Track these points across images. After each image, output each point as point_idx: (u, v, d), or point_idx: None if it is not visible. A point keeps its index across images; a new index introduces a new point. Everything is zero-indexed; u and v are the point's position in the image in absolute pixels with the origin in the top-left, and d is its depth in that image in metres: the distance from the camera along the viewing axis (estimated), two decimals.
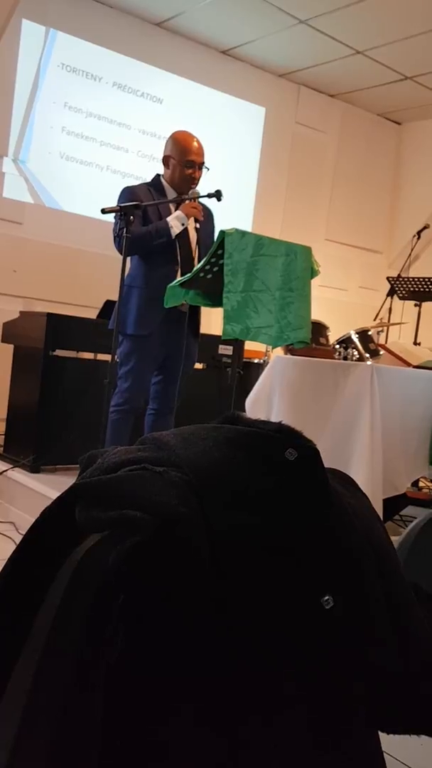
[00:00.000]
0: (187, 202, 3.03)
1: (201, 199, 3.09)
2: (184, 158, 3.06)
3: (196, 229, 3.11)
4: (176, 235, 3.00)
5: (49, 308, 4.08)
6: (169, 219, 2.98)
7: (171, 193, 3.11)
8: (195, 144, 3.09)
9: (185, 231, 3.04)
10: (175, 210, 3.06)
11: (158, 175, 3.18)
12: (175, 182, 3.11)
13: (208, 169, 3.14)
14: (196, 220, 3.06)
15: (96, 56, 4.97)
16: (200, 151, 3.09)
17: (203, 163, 3.10)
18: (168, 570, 0.78)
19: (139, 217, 2.95)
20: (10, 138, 4.69)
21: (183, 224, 2.99)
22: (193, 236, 3.10)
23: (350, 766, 0.87)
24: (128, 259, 3.12)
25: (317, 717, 0.84)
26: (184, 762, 0.78)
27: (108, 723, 0.77)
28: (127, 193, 3.04)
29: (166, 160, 3.15)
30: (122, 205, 2.86)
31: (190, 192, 3.05)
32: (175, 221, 2.98)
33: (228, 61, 5.60)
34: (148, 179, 3.25)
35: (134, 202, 2.90)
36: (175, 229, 2.97)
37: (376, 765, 0.91)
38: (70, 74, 4.90)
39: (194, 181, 3.08)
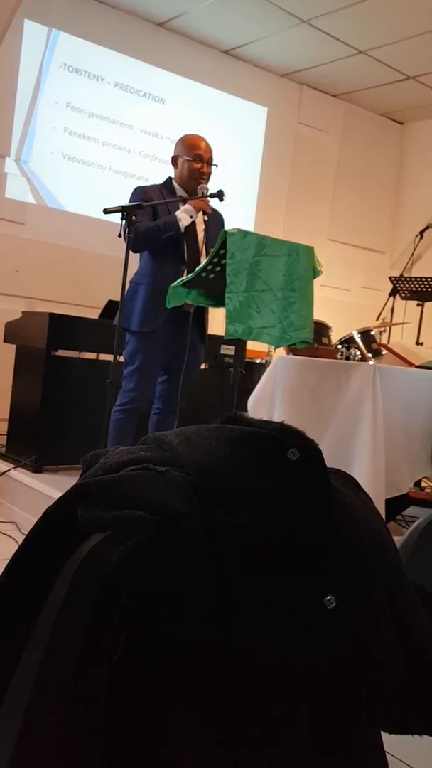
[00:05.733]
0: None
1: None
2: (191, 153, 3.09)
3: (204, 230, 3.11)
4: (184, 235, 3.01)
5: (51, 308, 4.08)
6: (177, 213, 3.00)
7: (181, 194, 3.13)
8: (203, 142, 3.13)
9: (193, 230, 3.05)
10: None
11: (170, 178, 3.19)
12: (184, 180, 3.12)
13: (217, 166, 3.15)
14: (205, 214, 3.06)
15: (98, 56, 4.98)
16: (208, 148, 3.12)
17: (211, 158, 3.11)
18: (170, 569, 0.78)
19: (149, 215, 2.98)
20: (13, 138, 4.69)
21: (191, 217, 3.01)
22: (201, 236, 3.10)
23: (352, 766, 0.87)
24: (138, 257, 3.14)
25: (319, 716, 0.84)
26: (187, 764, 0.78)
27: (111, 722, 0.77)
28: (139, 192, 3.08)
29: (174, 161, 3.17)
30: (124, 205, 2.87)
31: (199, 188, 3.05)
32: (183, 214, 2.99)
33: (230, 61, 5.60)
34: (150, 179, 3.27)
35: (138, 202, 2.92)
36: (184, 221, 2.98)
37: (378, 764, 0.91)
38: (72, 74, 4.90)
39: (203, 176, 3.09)
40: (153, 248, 3.05)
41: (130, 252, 2.94)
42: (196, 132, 3.21)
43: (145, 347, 3.05)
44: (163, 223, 2.98)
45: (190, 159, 3.08)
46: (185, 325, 2.98)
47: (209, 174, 3.12)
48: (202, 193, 3.03)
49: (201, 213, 3.05)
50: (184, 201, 3.05)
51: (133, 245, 2.91)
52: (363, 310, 5.81)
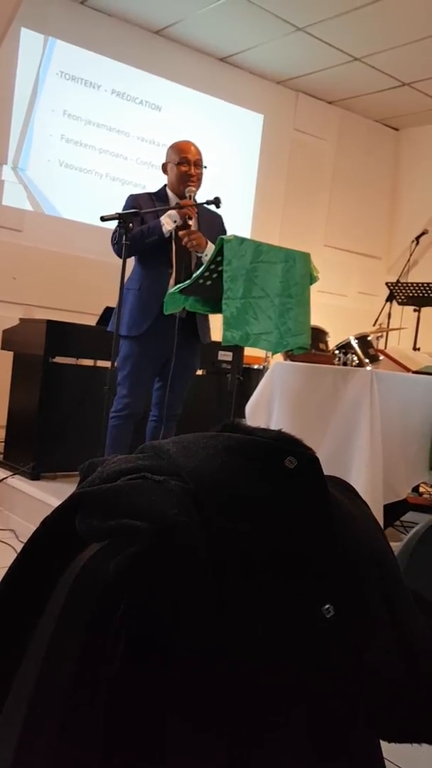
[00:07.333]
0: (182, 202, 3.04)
1: (203, 206, 3.09)
2: (178, 157, 3.09)
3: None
4: (172, 240, 3.00)
5: (48, 315, 4.09)
6: (161, 218, 3.00)
7: (174, 201, 3.13)
8: (191, 146, 3.12)
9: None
10: None
11: (165, 186, 3.20)
12: (174, 186, 3.12)
13: (206, 167, 3.15)
14: (190, 219, 3.04)
15: (95, 64, 4.99)
16: (196, 151, 3.11)
17: (200, 160, 3.10)
18: (168, 579, 0.78)
19: (139, 222, 2.99)
20: (10, 146, 4.70)
21: (175, 222, 3.00)
22: None
23: None
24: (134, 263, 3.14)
25: (317, 725, 0.84)
26: None
27: (109, 729, 0.77)
28: (130, 200, 3.11)
29: (164, 168, 3.18)
30: (120, 212, 2.88)
31: (186, 190, 3.04)
32: (166, 219, 2.99)
33: (226, 68, 5.62)
34: (147, 186, 3.27)
35: (133, 210, 2.93)
36: (167, 226, 2.97)
37: None
38: (69, 82, 4.92)
39: (191, 178, 3.07)
40: (139, 253, 3.05)
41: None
42: (194, 139, 3.22)
43: (134, 352, 3.06)
44: (147, 229, 2.98)
45: (177, 163, 3.09)
46: (174, 329, 2.98)
47: (198, 176, 3.11)
48: (189, 196, 3.03)
49: (187, 217, 3.03)
50: (179, 207, 3.05)
51: (118, 251, 2.91)
52: (360, 315, 5.81)
